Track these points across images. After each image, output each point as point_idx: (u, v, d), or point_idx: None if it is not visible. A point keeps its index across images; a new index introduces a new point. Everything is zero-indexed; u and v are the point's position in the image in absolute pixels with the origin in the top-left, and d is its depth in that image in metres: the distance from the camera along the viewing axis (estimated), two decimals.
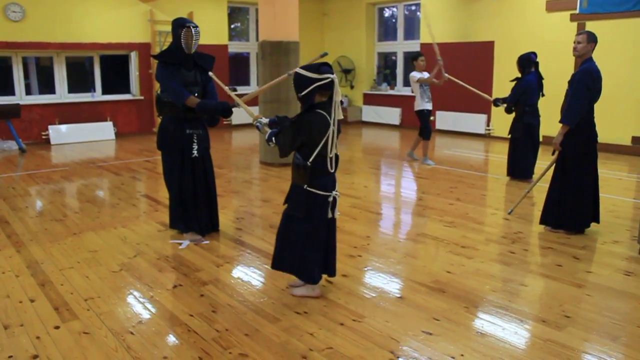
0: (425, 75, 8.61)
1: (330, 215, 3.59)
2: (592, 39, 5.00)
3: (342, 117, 3.43)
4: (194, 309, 3.60)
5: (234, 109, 4.76)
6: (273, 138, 3.56)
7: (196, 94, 4.76)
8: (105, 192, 7.16)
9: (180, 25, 4.59)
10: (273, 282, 4.04)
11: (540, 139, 7.61)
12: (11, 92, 11.26)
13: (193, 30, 4.61)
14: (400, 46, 13.82)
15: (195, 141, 4.87)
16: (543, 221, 5.29)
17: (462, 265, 4.36)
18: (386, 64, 14.80)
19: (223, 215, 5.72)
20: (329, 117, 3.38)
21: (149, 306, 3.66)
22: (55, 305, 3.67)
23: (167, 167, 4.99)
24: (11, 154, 10.10)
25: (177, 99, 4.61)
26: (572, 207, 5.08)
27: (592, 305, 3.64)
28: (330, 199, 3.55)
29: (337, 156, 3.53)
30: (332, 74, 3.36)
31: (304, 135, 3.41)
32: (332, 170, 3.53)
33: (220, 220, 5.33)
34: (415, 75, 8.68)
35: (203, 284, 4.03)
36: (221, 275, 4.21)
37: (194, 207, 4.99)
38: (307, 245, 3.60)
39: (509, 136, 7.63)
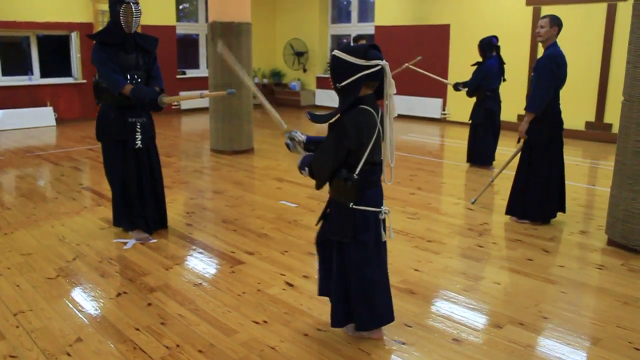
0: None
1: (384, 238, 2.86)
2: (554, 22, 4.79)
3: (395, 114, 2.67)
4: (141, 321, 3.22)
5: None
6: (307, 168, 2.77)
7: (139, 80, 4.32)
8: (43, 184, 6.60)
9: (119, 1, 4.12)
10: (228, 287, 3.69)
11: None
12: None
13: (133, 7, 4.15)
14: (355, 28, 13.51)
15: (139, 130, 4.44)
16: (508, 211, 5.11)
17: (429, 262, 4.11)
18: (339, 46, 14.47)
19: (171, 209, 5.31)
20: (376, 114, 2.66)
21: (89, 320, 3.26)
22: None
23: (108, 159, 4.55)
24: None
25: (113, 88, 4.19)
26: (538, 197, 4.92)
27: (569, 303, 3.45)
28: (382, 215, 2.81)
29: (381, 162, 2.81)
30: (382, 59, 2.58)
31: (352, 142, 2.61)
32: (384, 180, 2.84)
33: (168, 215, 4.92)
34: None
35: (150, 290, 3.65)
36: (170, 279, 3.83)
37: (139, 202, 4.59)
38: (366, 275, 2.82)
39: (470, 122, 7.45)
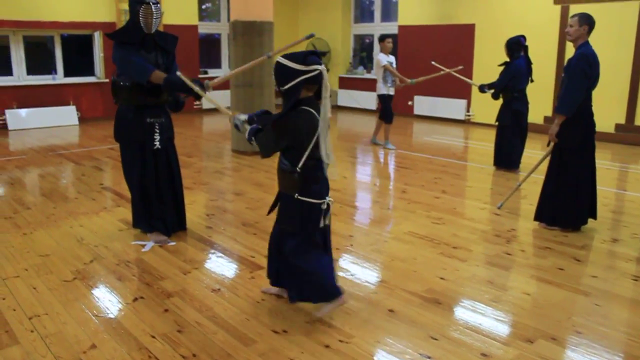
0: (392, 59, 8.40)
1: (322, 224, 3.09)
2: (584, 21, 4.59)
3: (329, 115, 2.94)
4: (157, 329, 3.13)
5: (207, 93, 4.08)
6: (253, 138, 3.08)
7: None
8: (64, 184, 6.57)
9: (139, 1, 4.04)
10: (247, 293, 3.58)
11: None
12: None
13: (153, 7, 4.07)
14: (378, 28, 13.34)
15: (158, 131, 4.35)
16: (537, 217, 4.92)
17: (456, 270, 3.96)
18: (362, 46, 14.32)
19: (191, 210, 5.23)
20: (317, 115, 2.91)
21: (104, 325, 3.17)
22: None
23: (126, 160, 4.47)
24: None
25: (141, 76, 4.07)
26: (569, 202, 4.73)
27: (603, 317, 3.28)
28: (324, 206, 3.05)
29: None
30: (321, 64, 2.86)
31: (289, 138, 2.94)
32: (325, 175, 3.07)
33: (187, 217, 4.84)
34: (382, 59, 8.37)
35: (168, 295, 3.56)
36: (188, 284, 3.74)
37: (158, 204, 4.51)
38: (308, 260, 3.13)
39: (496, 124, 7.25)
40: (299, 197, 2.98)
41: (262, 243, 4.48)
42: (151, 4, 4.06)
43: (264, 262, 4.09)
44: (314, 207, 3.02)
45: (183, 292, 3.61)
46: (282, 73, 2.89)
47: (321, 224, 3.07)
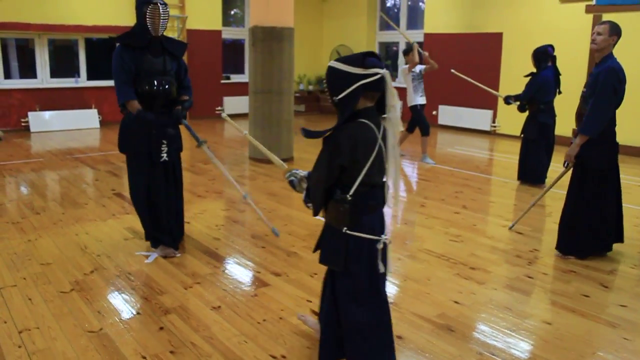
0: (418, 68, 8.07)
1: (382, 269, 2.47)
2: (614, 31, 4.21)
3: (401, 128, 2.41)
4: (149, 349, 2.96)
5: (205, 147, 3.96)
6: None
7: (167, 86, 4.07)
8: (76, 189, 6.48)
9: (146, 1, 3.89)
10: (248, 312, 3.39)
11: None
12: None
13: (161, 8, 3.92)
14: (403, 36, 13.08)
15: (165, 142, 4.19)
16: (557, 246, 4.54)
17: (472, 294, 3.71)
18: (387, 54, 14.10)
19: (201, 220, 5.08)
20: (377, 131, 2.37)
21: (95, 343, 3.01)
22: None
23: (133, 172, 4.28)
24: None
25: (119, 96, 3.98)
26: (588, 230, 4.34)
27: (633, 354, 3.00)
28: (380, 245, 2.45)
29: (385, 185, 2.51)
30: (382, 67, 2.32)
31: (344, 158, 2.33)
32: (384, 205, 2.52)
33: (196, 228, 4.70)
34: (404, 66, 8.12)
35: (165, 312, 3.39)
36: (188, 300, 3.56)
37: (166, 217, 4.31)
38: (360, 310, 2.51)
39: (521, 136, 6.97)
40: (348, 232, 2.42)
41: (270, 257, 4.30)
42: (159, 4, 3.91)
43: (270, 279, 3.91)
44: (363, 244, 2.43)
45: (181, 308, 3.44)
46: (336, 79, 2.36)
47: (380, 270, 2.46)
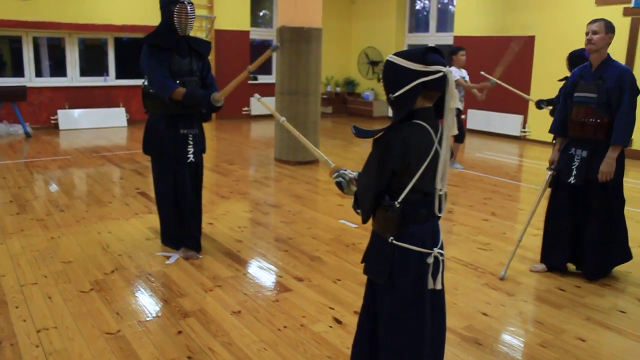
0: (464, 73, 7.75)
1: (430, 285, 2.24)
2: (610, 29, 4.01)
3: (455, 132, 2.25)
4: (166, 353, 2.89)
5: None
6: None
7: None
8: (101, 187, 6.48)
9: (172, 1, 3.84)
10: (269, 318, 3.30)
11: None
12: (20, 73, 10.72)
13: (188, 7, 3.86)
14: (433, 38, 12.93)
15: (191, 143, 4.12)
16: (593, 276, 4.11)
17: (501, 306, 3.57)
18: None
19: (224, 222, 5.02)
20: (433, 134, 2.15)
21: (112, 345, 2.96)
22: None
23: (158, 174, 4.22)
24: (16, 139, 9.56)
25: (163, 92, 3.86)
26: (621, 241, 4.07)
27: None
28: (430, 259, 2.23)
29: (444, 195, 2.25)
30: (445, 65, 2.09)
31: (395, 161, 2.11)
32: (438, 214, 2.25)
33: (218, 229, 4.65)
34: (454, 74, 7.82)
35: (184, 315, 3.32)
36: (208, 303, 3.49)
37: (190, 219, 4.24)
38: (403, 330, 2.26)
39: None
40: (394, 242, 2.19)
41: (293, 262, 4.21)
42: (186, 3, 3.85)
43: (292, 284, 3.82)
44: (411, 256, 2.19)
45: (201, 312, 3.37)
46: (393, 74, 2.14)
47: (430, 285, 2.23)
